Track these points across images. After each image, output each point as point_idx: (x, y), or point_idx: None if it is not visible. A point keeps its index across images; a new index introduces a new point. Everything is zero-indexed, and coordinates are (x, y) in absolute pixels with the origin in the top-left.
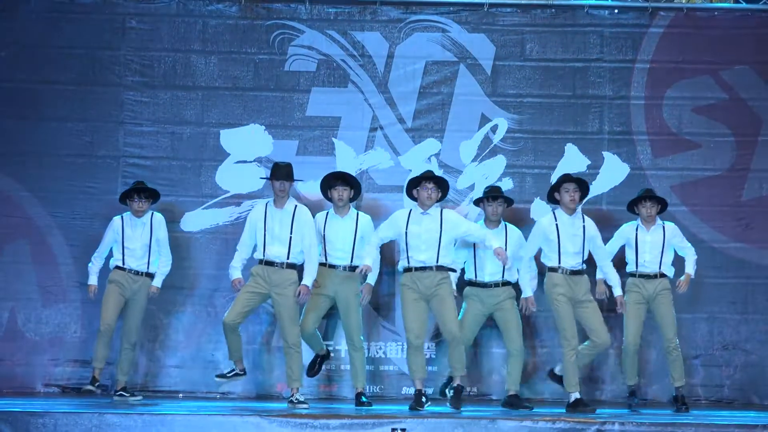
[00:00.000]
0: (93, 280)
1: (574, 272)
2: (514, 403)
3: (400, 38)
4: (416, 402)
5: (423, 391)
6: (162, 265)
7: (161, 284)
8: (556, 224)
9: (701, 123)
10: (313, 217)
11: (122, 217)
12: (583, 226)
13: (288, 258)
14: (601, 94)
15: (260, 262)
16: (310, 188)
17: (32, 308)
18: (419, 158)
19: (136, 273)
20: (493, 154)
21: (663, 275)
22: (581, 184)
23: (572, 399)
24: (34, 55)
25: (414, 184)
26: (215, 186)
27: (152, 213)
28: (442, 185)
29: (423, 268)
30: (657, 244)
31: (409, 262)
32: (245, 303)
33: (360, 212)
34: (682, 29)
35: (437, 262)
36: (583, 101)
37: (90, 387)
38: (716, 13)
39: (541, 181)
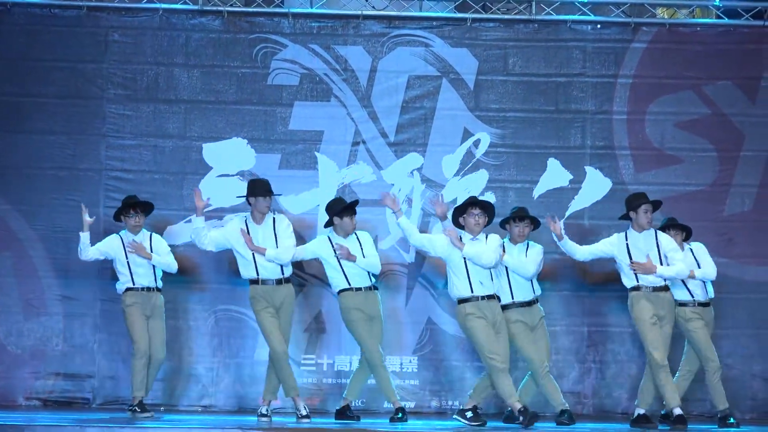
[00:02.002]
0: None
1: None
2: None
3: (383, 52)
4: (526, 418)
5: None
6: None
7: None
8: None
9: (683, 138)
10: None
11: (120, 236)
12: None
13: (282, 273)
14: (583, 109)
15: (255, 282)
16: (292, 203)
17: (13, 321)
18: (402, 172)
19: (148, 289)
20: (475, 168)
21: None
22: (487, 208)
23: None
24: (17, 67)
25: (460, 211)
26: None
27: (151, 235)
28: (488, 210)
29: (489, 297)
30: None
31: (473, 291)
32: (274, 324)
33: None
34: (664, 44)
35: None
36: (566, 116)
37: (146, 414)
38: (698, 28)
39: (523, 195)
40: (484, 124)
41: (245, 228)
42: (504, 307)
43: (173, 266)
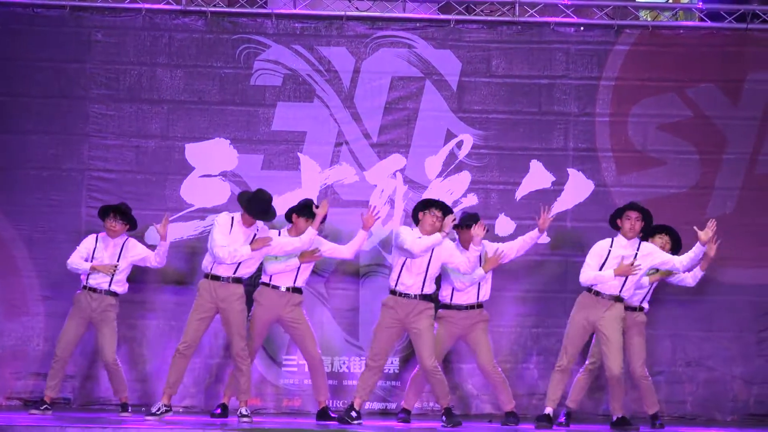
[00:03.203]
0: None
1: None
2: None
3: (367, 53)
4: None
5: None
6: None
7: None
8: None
9: (666, 140)
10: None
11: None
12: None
13: (234, 273)
14: (566, 111)
15: (207, 276)
16: (275, 204)
17: None
18: (384, 173)
19: (99, 291)
20: (458, 169)
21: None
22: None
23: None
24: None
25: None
26: (180, 200)
27: (126, 240)
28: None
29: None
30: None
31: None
32: (199, 329)
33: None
34: (647, 47)
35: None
36: (549, 118)
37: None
38: (682, 31)
39: (505, 196)
40: (467, 126)
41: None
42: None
43: (150, 260)
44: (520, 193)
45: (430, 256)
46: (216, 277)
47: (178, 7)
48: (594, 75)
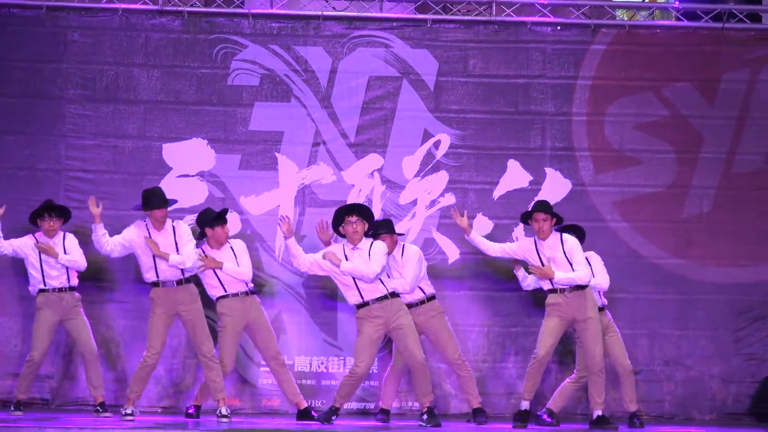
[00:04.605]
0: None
1: None
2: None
3: (344, 53)
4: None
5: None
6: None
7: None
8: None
9: (643, 140)
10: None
11: (35, 237)
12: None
13: (183, 274)
14: (543, 111)
15: (155, 284)
16: (252, 204)
17: None
18: (362, 173)
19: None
20: (435, 169)
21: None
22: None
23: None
24: None
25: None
26: None
27: (64, 234)
28: (366, 215)
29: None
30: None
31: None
32: (163, 336)
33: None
34: (624, 46)
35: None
36: (526, 117)
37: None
38: (658, 30)
39: (483, 196)
40: (444, 125)
41: (147, 233)
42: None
43: (81, 265)
44: (498, 192)
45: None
46: (165, 282)
47: (155, 7)
48: (571, 74)
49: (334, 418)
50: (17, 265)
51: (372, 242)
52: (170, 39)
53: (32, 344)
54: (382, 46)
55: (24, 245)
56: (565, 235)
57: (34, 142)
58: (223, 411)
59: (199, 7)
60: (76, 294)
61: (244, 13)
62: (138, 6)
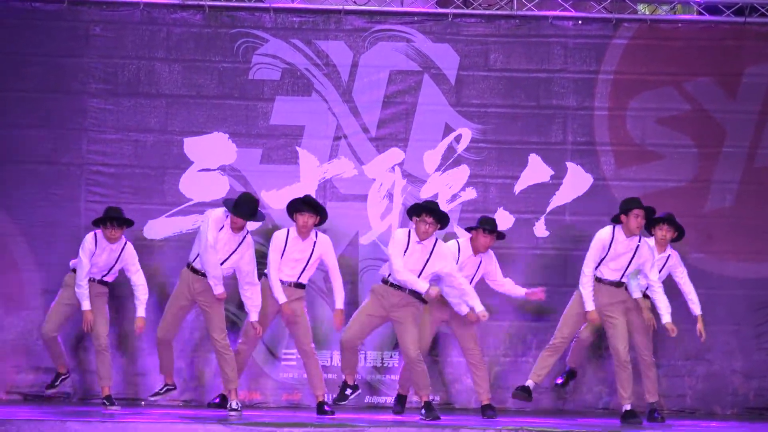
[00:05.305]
0: (87, 305)
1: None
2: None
3: (365, 47)
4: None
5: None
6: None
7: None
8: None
9: (664, 134)
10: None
11: (95, 235)
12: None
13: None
14: (564, 105)
15: (188, 267)
16: (273, 198)
17: None
18: (383, 167)
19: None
20: (456, 163)
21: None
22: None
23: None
24: None
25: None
26: (178, 194)
27: (125, 244)
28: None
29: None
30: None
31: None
32: (177, 316)
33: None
34: (645, 40)
35: None
36: (547, 111)
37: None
38: (680, 24)
39: (504, 190)
40: (466, 120)
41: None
42: None
43: (146, 293)
44: (519, 186)
45: (427, 260)
46: (195, 270)
47: (176, 1)
48: (592, 69)
49: (348, 392)
50: (38, 260)
51: (436, 240)
52: (191, 33)
53: (46, 318)
54: (404, 41)
55: (89, 249)
56: (643, 245)
57: (56, 136)
58: (234, 405)
59: (220, 1)
60: (104, 289)
61: (266, 7)
62: (159, 0)
